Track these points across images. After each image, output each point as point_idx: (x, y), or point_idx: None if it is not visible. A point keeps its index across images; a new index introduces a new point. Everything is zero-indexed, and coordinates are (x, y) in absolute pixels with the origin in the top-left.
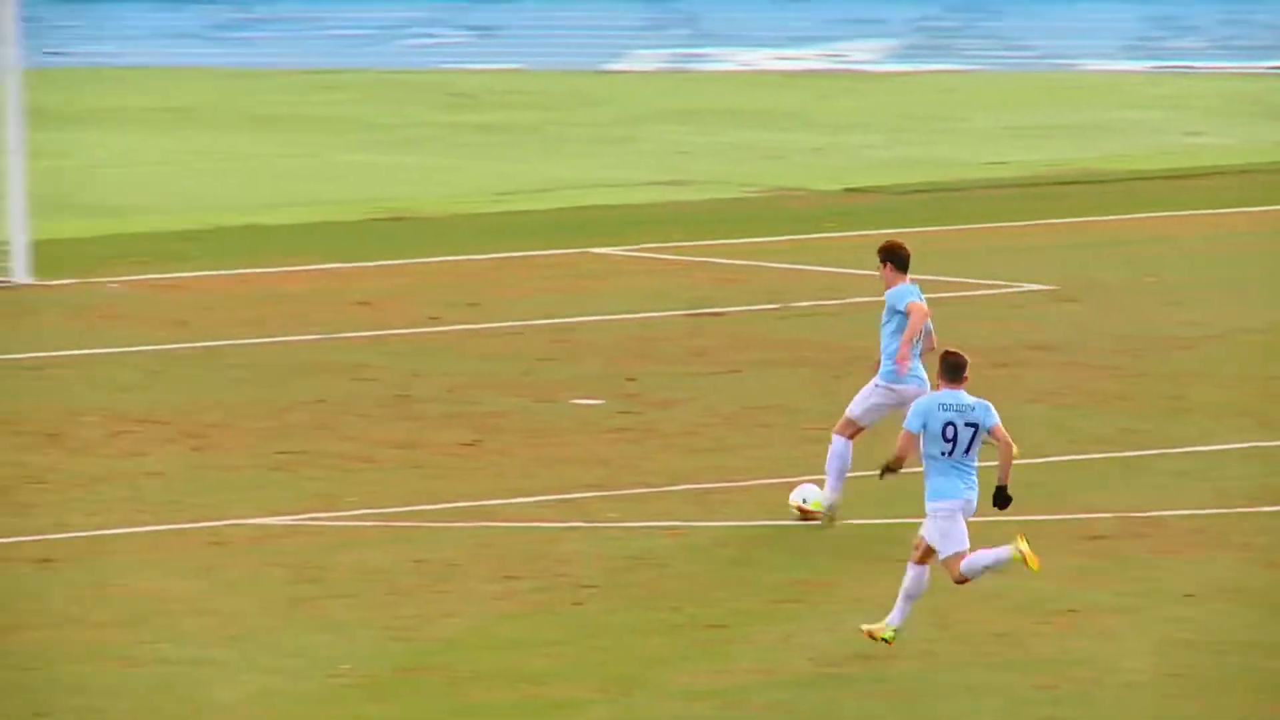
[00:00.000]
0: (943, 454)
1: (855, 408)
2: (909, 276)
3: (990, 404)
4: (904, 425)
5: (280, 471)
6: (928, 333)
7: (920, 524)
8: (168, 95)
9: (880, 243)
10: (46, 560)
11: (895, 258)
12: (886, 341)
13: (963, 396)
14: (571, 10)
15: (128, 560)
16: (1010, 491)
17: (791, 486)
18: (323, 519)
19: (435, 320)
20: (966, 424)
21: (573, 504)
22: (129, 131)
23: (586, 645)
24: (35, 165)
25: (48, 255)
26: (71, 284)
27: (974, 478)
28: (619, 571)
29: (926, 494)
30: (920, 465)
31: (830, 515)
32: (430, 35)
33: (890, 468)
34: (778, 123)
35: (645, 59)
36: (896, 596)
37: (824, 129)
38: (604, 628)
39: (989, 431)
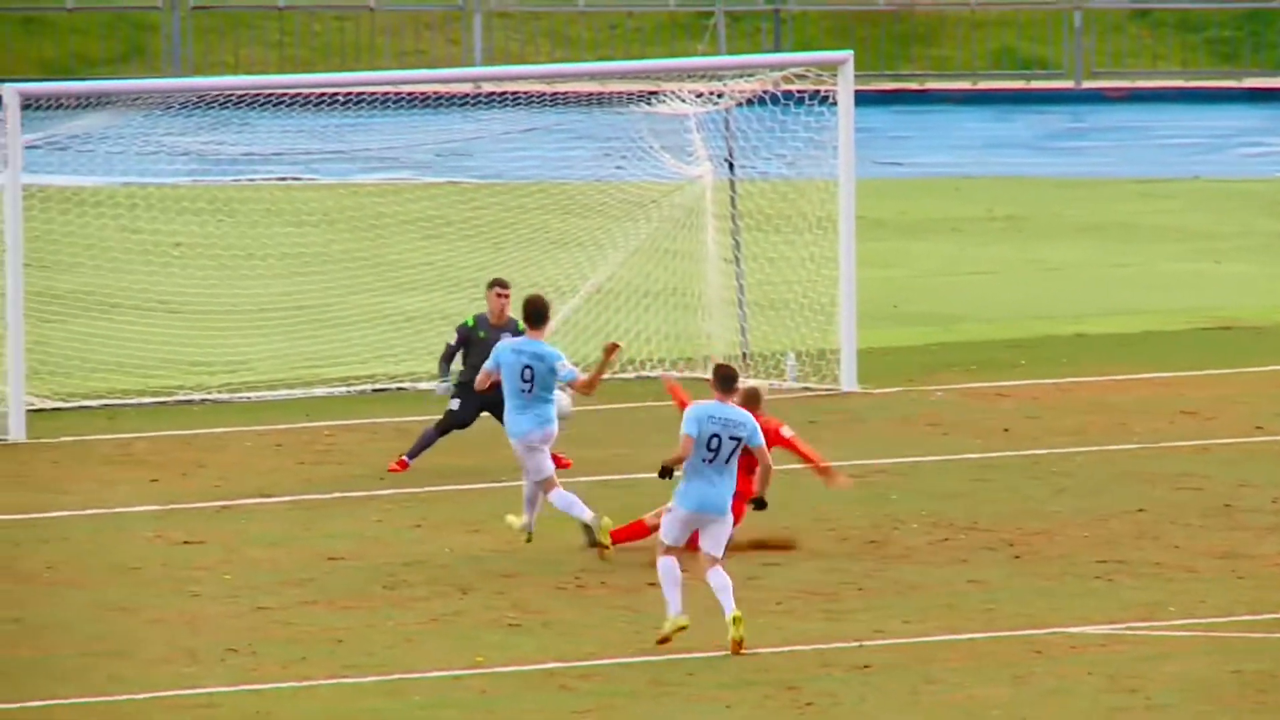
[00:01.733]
0: (704, 461)
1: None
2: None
3: (757, 423)
4: (682, 429)
5: (1100, 580)
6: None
7: None
8: (997, 204)
9: None
10: (865, 667)
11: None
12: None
13: (731, 410)
14: None
15: (944, 668)
16: (766, 499)
17: None
18: (1141, 629)
19: (1261, 430)
20: (731, 437)
21: None
22: (957, 241)
23: None
24: (865, 275)
25: (874, 363)
26: (896, 392)
27: (729, 485)
28: None
29: (676, 493)
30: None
31: (527, 534)
32: (1260, 144)
33: (668, 468)
34: None
35: None
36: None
37: None
38: None
39: (752, 449)
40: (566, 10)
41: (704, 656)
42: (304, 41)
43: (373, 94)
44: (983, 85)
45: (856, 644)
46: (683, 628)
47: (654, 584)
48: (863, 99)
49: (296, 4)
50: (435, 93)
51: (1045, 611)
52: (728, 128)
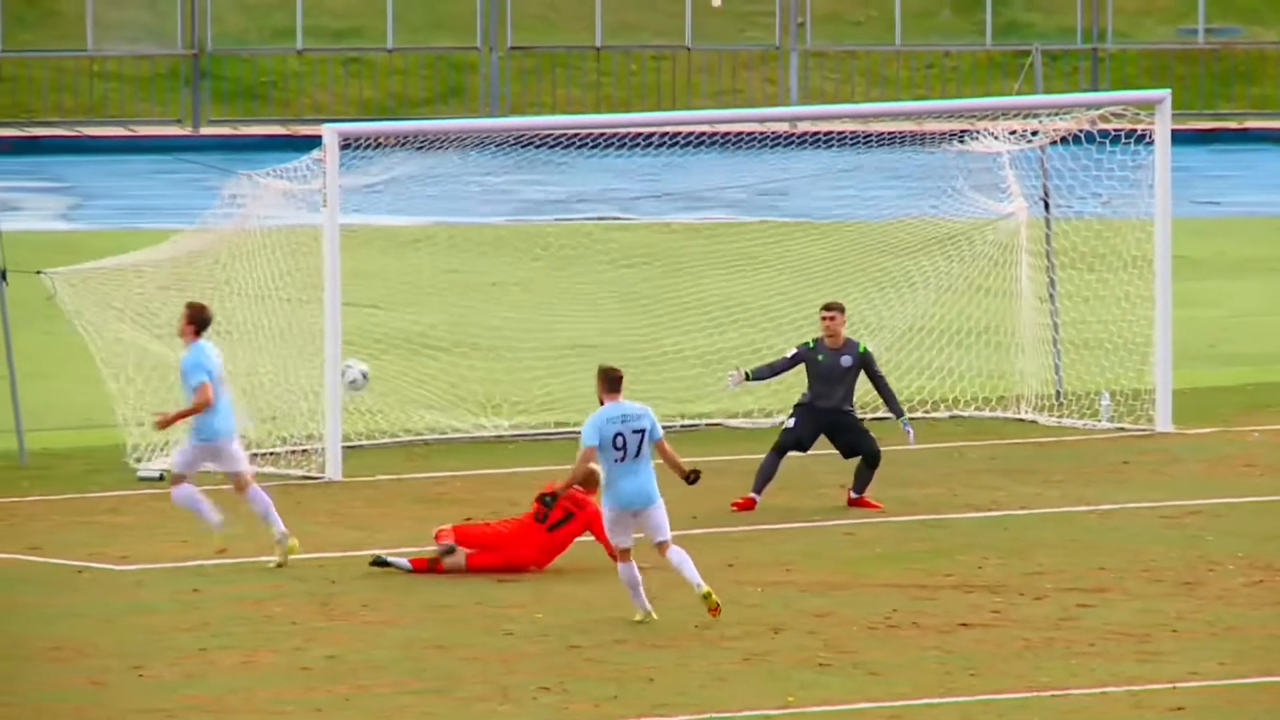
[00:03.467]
0: (616, 461)
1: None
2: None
3: (652, 411)
4: (582, 443)
5: None
6: None
7: None
8: None
9: None
10: (1179, 709)
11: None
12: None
13: (626, 406)
14: None
15: (1260, 711)
16: (694, 469)
17: None
18: None
19: None
20: (634, 431)
21: None
22: (1277, 281)
23: None
24: (1181, 314)
25: (1189, 404)
26: (1212, 432)
27: (649, 473)
28: None
29: (603, 496)
30: None
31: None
32: None
33: (567, 487)
34: None
35: None
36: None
37: None
38: None
39: (654, 442)
40: (883, 50)
41: (1015, 697)
42: (620, 81)
43: (688, 134)
44: None
45: (1170, 686)
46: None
47: (966, 624)
48: (1180, 138)
49: (613, 44)
50: (751, 132)
51: None
52: (1043, 166)
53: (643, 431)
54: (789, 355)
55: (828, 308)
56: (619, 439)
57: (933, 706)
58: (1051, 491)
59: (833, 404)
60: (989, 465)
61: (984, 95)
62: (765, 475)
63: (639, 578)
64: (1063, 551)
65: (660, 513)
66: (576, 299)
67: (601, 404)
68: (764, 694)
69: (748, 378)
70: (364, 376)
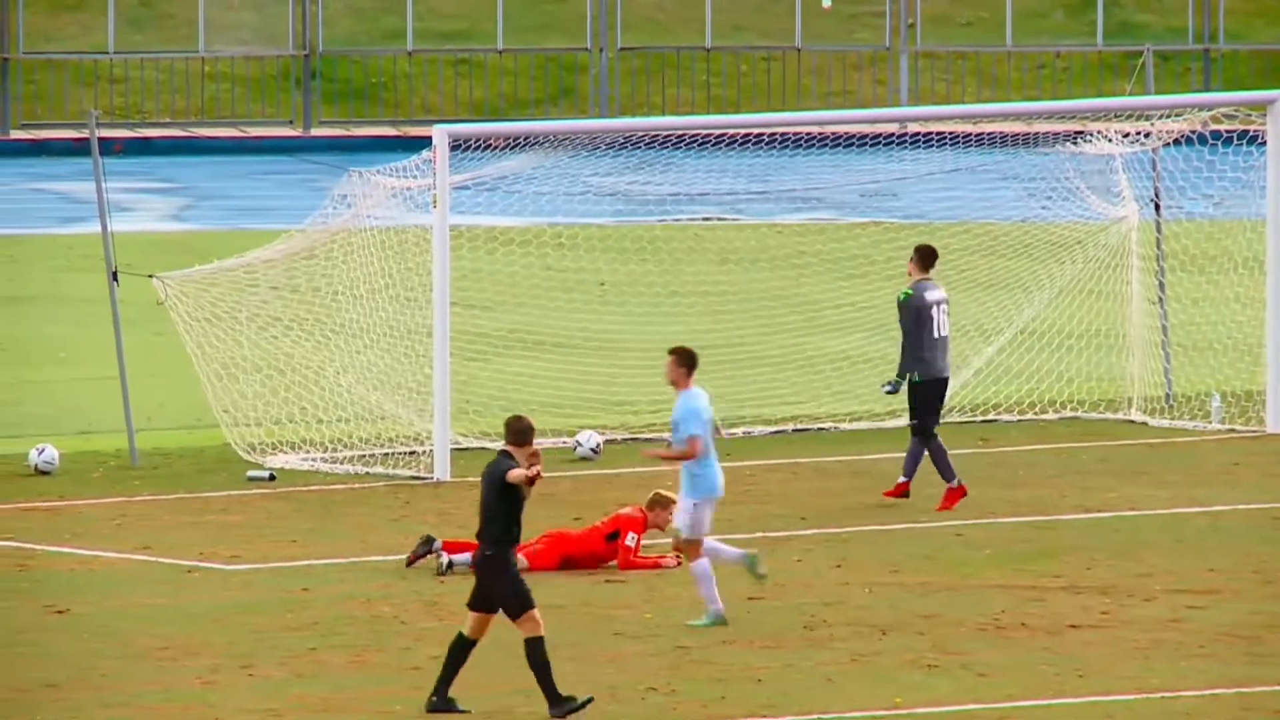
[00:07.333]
0: None
1: None
2: None
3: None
4: None
5: None
6: None
7: None
8: None
9: None
10: None
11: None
12: None
13: None
14: None
15: None
16: None
17: None
18: None
19: None
20: None
21: None
22: None
23: None
24: None
25: None
26: None
27: None
28: None
29: None
30: None
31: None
32: None
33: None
34: None
35: None
36: None
37: None
38: None
39: None
40: (993, 50)
41: (1124, 699)
42: (730, 82)
43: (798, 134)
44: None
45: (1277, 688)
46: None
47: (1075, 626)
48: None
49: (723, 45)
50: (860, 133)
51: None
52: (1154, 168)
53: None
54: (902, 318)
55: (918, 250)
56: None
57: (1041, 708)
58: (1162, 492)
59: (944, 364)
60: (1099, 467)
61: (1095, 96)
62: (915, 463)
63: None
64: (1172, 553)
65: None
66: (684, 299)
67: None
68: (871, 695)
69: (896, 384)
70: (595, 450)
